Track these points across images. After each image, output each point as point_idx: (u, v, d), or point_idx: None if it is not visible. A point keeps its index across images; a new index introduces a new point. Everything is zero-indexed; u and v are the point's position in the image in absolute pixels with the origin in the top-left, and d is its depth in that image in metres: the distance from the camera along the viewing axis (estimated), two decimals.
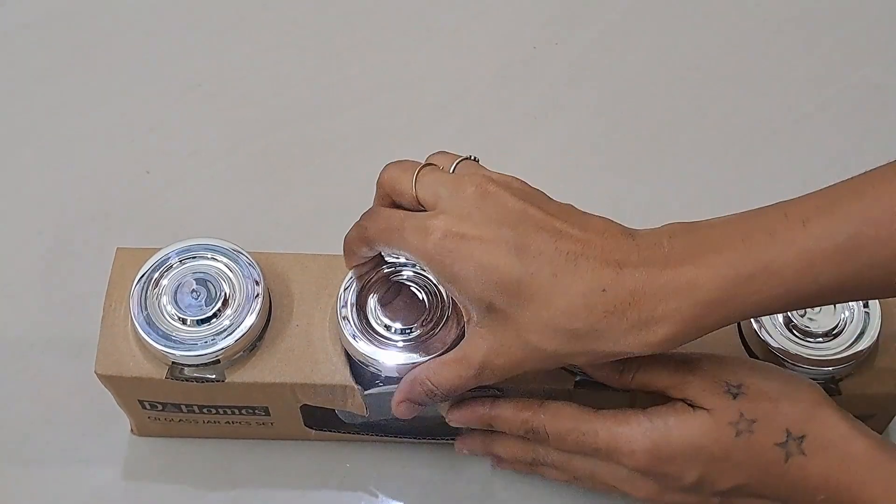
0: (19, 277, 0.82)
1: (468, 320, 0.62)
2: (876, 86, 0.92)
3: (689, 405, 0.62)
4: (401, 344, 0.67)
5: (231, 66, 0.92)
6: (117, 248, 0.71)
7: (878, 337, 0.68)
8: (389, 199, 0.65)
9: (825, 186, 0.58)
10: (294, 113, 0.90)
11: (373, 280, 0.68)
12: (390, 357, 0.66)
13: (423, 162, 0.65)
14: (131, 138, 0.89)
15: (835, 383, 0.69)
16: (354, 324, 0.67)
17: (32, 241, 0.84)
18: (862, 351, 0.68)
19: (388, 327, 0.67)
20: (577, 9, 0.95)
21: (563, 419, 0.65)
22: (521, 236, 0.59)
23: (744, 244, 0.57)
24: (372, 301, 0.68)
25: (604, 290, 0.58)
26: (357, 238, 0.65)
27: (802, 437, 0.60)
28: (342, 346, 0.68)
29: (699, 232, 0.59)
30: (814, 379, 0.67)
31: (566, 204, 0.62)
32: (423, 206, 0.63)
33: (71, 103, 0.90)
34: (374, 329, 0.67)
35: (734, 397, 0.61)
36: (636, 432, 0.63)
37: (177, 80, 0.91)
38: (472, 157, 0.65)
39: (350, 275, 0.68)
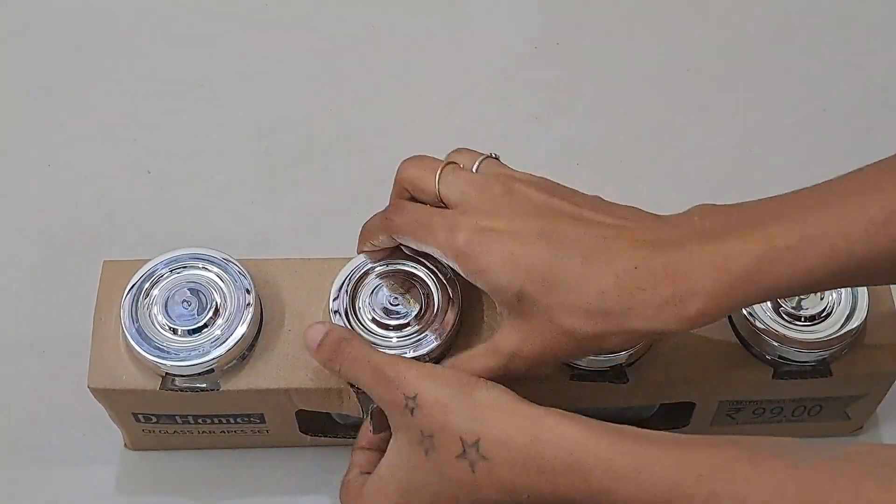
0: (20, 278, 0.82)
1: (500, 313, 0.62)
2: (878, 87, 0.92)
3: (395, 427, 0.61)
4: (395, 340, 0.67)
5: (232, 65, 0.92)
6: (104, 262, 0.70)
7: (866, 317, 0.69)
8: (407, 195, 0.66)
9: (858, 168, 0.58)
10: (294, 113, 0.90)
11: (366, 279, 0.68)
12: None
13: (445, 160, 0.65)
14: (131, 138, 0.89)
15: (825, 365, 0.69)
16: (348, 323, 0.67)
17: (34, 242, 0.84)
18: (852, 332, 0.68)
19: (381, 325, 0.67)
20: (578, 9, 0.95)
21: None
22: (550, 226, 0.60)
23: (775, 220, 0.57)
24: (364, 299, 0.68)
25: (636, 268, 0.58)
26: (380, 227, 0.65)
27: (477, 441, 0.57)
28: None
29: (730, 210, 0.59)
30: (805, 362, 0.69)
31: (593, 195, 0.63)
32: (445, 203, 0.63)
33: (71, 103, 0.90)
34: (367, 328, 0.67)
35: (412, 412, 0.59)
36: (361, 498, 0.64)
37: (177, 81, 0.91)
38: (493, 155, 0.65)
39: (341, 276, 0.68)
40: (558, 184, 0.63)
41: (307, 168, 0.88)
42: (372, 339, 0.66)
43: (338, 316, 0.67)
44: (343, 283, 0.68)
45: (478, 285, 0.62)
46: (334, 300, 0.68)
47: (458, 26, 0.94)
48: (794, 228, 0.56)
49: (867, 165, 0.58)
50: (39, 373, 0.78)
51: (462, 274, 0.63)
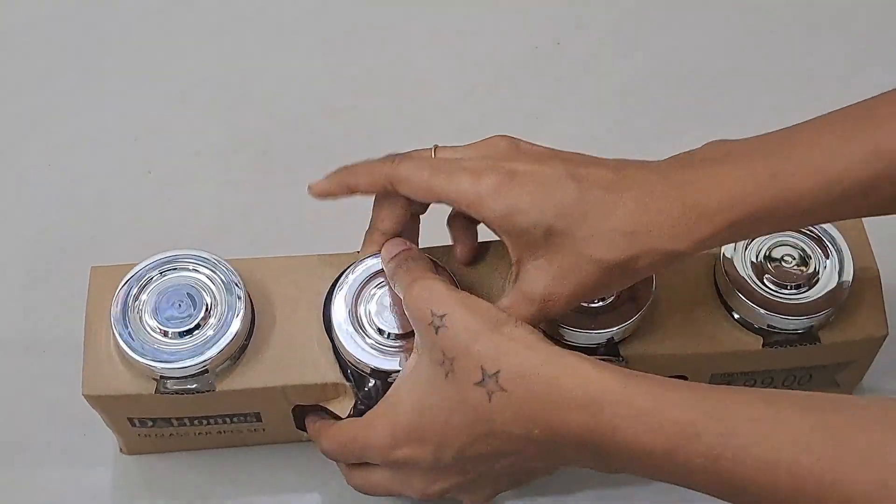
0: (19, 277, 0.82)
1: (518, 261, 0.63)
2: (878, 87, 0.91)
3: (419, 344, 0.62)
4: (393, 350, 0.67)
5: (232, 66, 0.92)
6: (91, 268, 0.70)
7: (851, 285, 0.70)
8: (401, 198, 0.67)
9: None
10: (295, 113, 0.90)
11: (368, 284, 0.68)
12: (383, 362, 0.66)
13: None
14: (132, 138, 0.88)
15: (814, 332, 0.70)
16: (348, 328, 0.67)
17: (34, 241, 0.84)
18: (837, 298, 0.69)
19: (380, 331, 0.67)
20: (578, 9, 0.95)
21: (332, 438, 0.67)
22: (567, 166, 0.62)
23: (776, 147, 0.61)
24: (366, 306, 0.68)
25: (652, 192, 0.61)
26: (380, 171, 0.66)
27: (497, 372, 0.58)
28: (330, 346, 0.68)
29: (729, 142, 0.62)
30: (793, 330, 0.70)
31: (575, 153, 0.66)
32: None
33: (71, 103, 0.90)
34: (367, 334, 0.67)
35: (436, 331, 0.60)
36: (373, 414, 0.64)
37: (177, 81, 0.91)
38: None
39: (342, 276, 0.68)
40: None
41: (307, 168, 0.87)
42: (378, 347, 0.67)
43: (342, 314, 0.67)
44: (346, 297, 0.68)
45: (499, 230, 0.63)
46: (336, 294, 0.68)
47: (459, 26, 0.94)
48: (790, 153, 0.60)
49: (863, 101, 0.61)
50: (38, 373, 0.78)
51: (483, 219, 0.63)
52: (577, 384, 0.57)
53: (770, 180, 0.59)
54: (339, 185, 0.68)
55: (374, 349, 0.67)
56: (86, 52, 0.92)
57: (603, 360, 0.61)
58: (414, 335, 0.66)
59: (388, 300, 0.68)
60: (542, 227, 0.61)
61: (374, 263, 0.68)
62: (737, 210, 0.60)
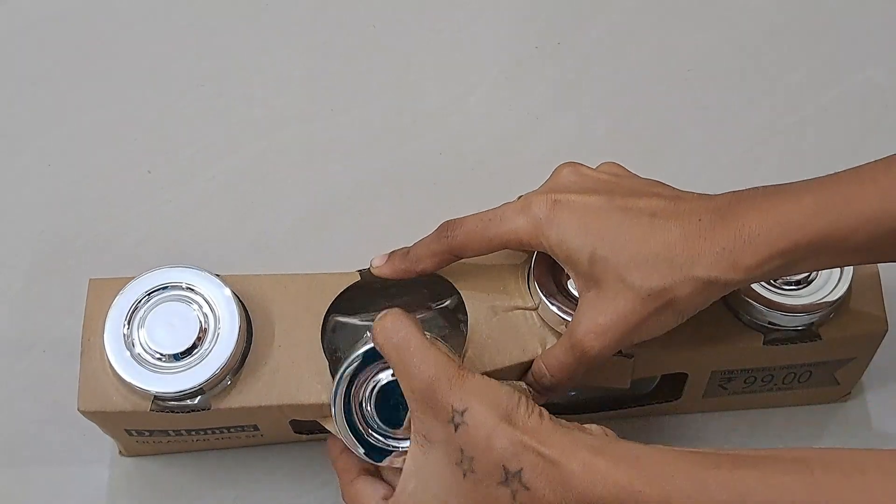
0: (20, 277, 0.82)
1: (580, 293, 0.63)
2: (878, 87, 0.92)
3: (424, 439, 0.59)
4: (389, 448, 0.64)
5: (232, 66, 0.92)
6: (90, 280, 0.70)
7: (852, 280, 0.70)
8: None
9: None
10: (296, 113, 0.90)
11: (360, 383, 0.65)
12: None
13: None
14: (132, 138, 0.88)
15: (814, 329, 0.70)
16: (343, 417, 0.64)
17: (34, 241, 0.84)
18: (838, 295, 0.69)
19: (380, 429, 0.64)
20: (579, 9, 0.95)
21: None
22: (618, 197, 0.63)
23: (822, 182, 0.60)
24: (358, 402, 0.64)
25: (699, 220, 0.61)
26: (437, 251, 0.66)
27: (520, 471, 0.56)
28: (327, 365, 0.67)
29: (777, 185, 0.62)
30: (794, 327, 0.70)
31: (653, 180, 0.66)
32: None
33: (71, 103, 0.90)
34: (368, 429, 0.64)
35: (456, 428, 0.57)
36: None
37: (177, 81, 0.91)
38: None
39: (343, 365, 0.64)
40: (621, 166, 0.67)
41: (307, 168, 0.88)
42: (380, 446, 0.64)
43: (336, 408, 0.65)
44: (343, 383, 0.64)
45: (558, 259, 0.64)
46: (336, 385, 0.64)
47: (458, 26, 0.94)
48: (839, 186, 0.59)
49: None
50: (38, 373, 0.78)
51: (544, 248, 0.64)
52: (591, 481, 0.55)
53: (819, 212, 0.59)
54: (404, 272, 0.68)
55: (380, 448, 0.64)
56: (86, 52, 0.92)
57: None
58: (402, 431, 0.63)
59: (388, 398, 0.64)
60: (587, 253, 0.61)
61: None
62: (784, 241, 0.59)
